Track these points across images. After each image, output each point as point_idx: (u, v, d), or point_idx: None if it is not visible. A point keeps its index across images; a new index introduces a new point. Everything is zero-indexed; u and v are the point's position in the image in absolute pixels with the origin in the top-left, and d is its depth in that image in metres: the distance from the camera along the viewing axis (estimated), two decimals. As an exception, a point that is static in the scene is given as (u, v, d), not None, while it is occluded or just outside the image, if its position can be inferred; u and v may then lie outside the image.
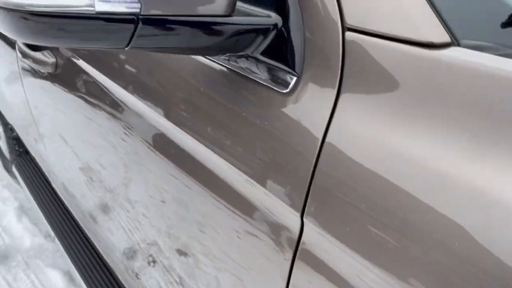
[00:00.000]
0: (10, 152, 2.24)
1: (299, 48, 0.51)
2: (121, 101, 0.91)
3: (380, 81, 0.44)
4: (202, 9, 0.49)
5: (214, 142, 0.63)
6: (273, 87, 0.54)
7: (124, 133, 0.93)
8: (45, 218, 1.74)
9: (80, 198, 1.41)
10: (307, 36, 0.50)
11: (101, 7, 0.46)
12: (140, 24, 0.48)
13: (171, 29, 0.50)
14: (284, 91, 0.52)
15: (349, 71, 0.46)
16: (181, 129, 0.71)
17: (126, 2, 0.47)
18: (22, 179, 1.96)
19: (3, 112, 2.12)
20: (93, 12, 0.47)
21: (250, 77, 0.57)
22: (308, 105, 0.50)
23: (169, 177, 0.78)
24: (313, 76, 0.50)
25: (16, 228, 2.09)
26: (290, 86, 0.52)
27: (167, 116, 0.75)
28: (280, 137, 0.53)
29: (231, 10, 0.50)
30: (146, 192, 0.91)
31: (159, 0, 0.47)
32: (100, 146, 1.09)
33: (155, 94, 0.78)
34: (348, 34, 0.46)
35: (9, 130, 2.14)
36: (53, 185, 1.76)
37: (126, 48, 0.52)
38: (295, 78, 0.52)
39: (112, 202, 1.12)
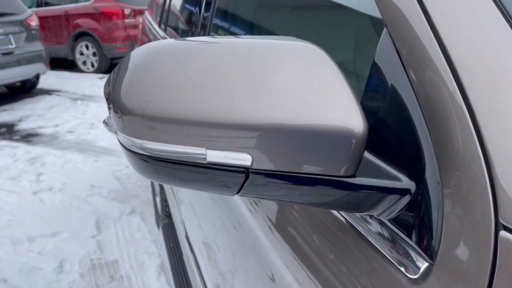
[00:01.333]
0: (161, 212, 2.46)
1: (435, 229, 0.40)
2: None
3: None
4: (319, 169, 0.43)
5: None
6: (397, 265, 0.43)
7: (238, 221, 0.94)
8: (174, 285, 1.82)
9: (198, 273, 1.44)
10: (447, 216, 0.39)
11: (212, 158, 0.45)
12: (251, 176, 0.45)
13: (284, 184, 0.45)
14: (410, 276, 0.42)
15: (501, 282, 0.34)
16: (290, 258, 0.64)
17: (237, 154, 0.44)
18: (164, 240, 2.11)
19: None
20: (205, 162, 0.45)
21: (371, 241, 0.48)
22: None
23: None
24: (451, 271, 0.38)
25: (153, 286, 2.23)
26: (419, 273, 0.41)
27: (276, 238, 0.69)
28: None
29: (353, 171, 0.43)
30: None
31: (271, 156, 0.43)
32: (217, 226, 1.12)
33: (271, 214, 0.74)
34: (504, 234, 0.34)
35: (164, 192, 2.36)
36: (183, 252, 1.85)
37: (236, 195, 0.49)
38: (426, 265, 0.41)
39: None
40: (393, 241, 0.45)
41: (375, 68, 0.52)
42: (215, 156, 0.44)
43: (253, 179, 0.44)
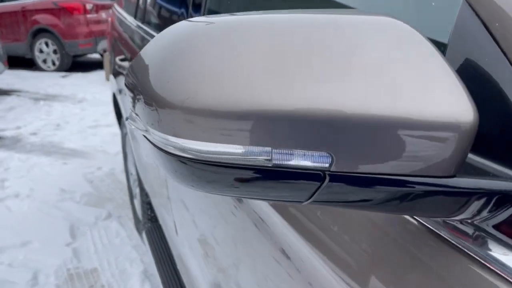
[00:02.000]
0: (143, 215, 2.33)
1: None
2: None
3: None
4: (414, 168, 0.35)
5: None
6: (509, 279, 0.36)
7: (234, 206, 0.88)
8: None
9: (193, 273, 1.35)
10: None
11: (281, 159, 0.36)
12: (329, 180, 0.36)
13: (369, 188, 0.37)
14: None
15: None
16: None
17: (315, 154, 0.35)
18: (149, 246, 1.99)
19: (142, 179, 2.22)
20: (269, 165, 0.36)
21: (468, 252, 0.40)
22: None
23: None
24: None
25: (138, 294, 2.11)
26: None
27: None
28: None
29: (456, 170, 0.35)
30: (255, 281, 0.81)
31: (357, 154, 0.35)
32: (214, 216, 1.04)
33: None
34: None
35: (145, 195, 2.23)
36: (174, 255, 1.74)
37: (305, 203, 0.40)
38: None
39: (224, 285, 1.02)
40: (501, 252, 0.38)
41: (453, 47, 0.44)
42: (283, 157, 0.35)
43: (331, 183, 0.36)
